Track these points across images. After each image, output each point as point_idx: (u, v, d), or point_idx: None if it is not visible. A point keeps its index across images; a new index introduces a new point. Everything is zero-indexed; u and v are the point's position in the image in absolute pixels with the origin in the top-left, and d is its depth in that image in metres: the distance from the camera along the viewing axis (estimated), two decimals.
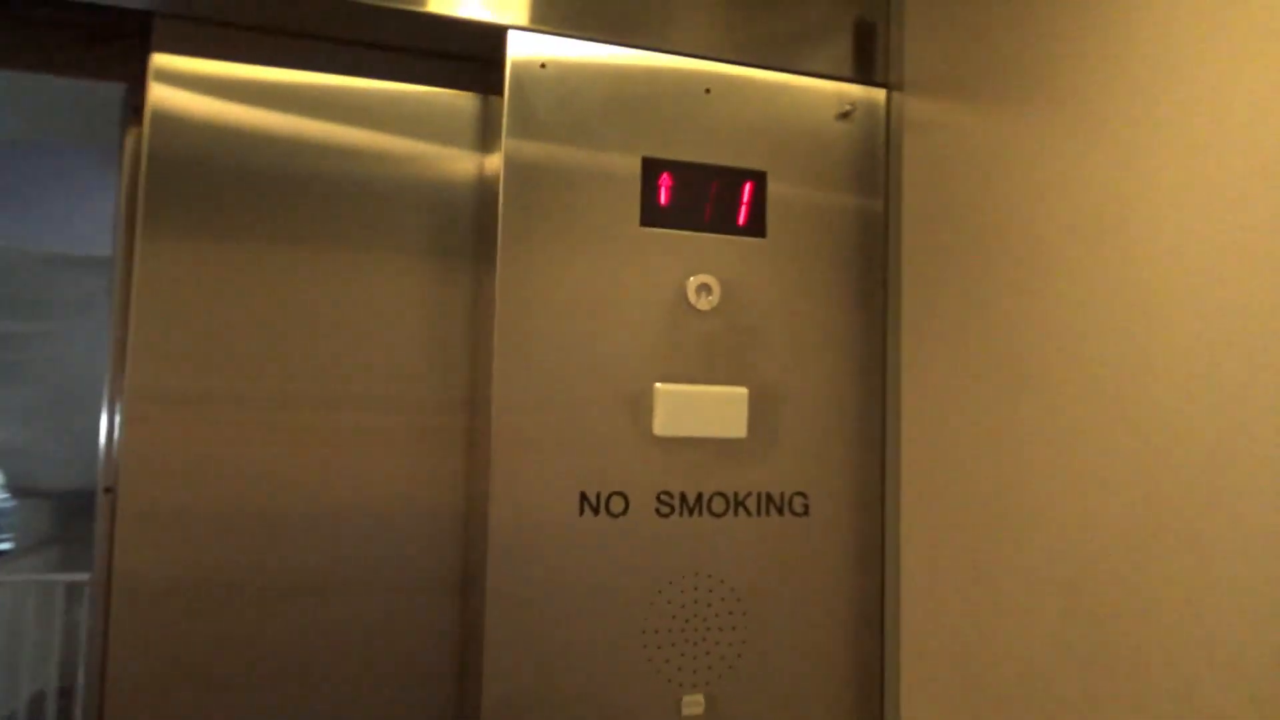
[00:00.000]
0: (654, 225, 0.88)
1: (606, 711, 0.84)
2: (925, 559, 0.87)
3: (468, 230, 0.93)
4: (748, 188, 0.91)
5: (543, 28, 0.86)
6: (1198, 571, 0.59)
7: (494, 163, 0.88)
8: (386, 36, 0.90)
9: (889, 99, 0.97)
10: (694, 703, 0.86)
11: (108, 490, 0.86)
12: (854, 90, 0.96)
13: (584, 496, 0.84)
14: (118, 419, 0.85)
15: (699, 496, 0.88)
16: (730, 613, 0.88)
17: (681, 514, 0.87)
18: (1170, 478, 0.62)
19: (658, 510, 0.86)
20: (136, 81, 0.87)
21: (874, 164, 0.96)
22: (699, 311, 0.89)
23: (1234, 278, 0.58)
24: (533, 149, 0.85)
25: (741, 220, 0.91)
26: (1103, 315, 0.68)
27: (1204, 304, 0.60)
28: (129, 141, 0.89)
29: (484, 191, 0.92)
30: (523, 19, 0.86)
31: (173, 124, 0.84)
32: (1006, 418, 0.77)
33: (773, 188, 0.92)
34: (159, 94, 0.84)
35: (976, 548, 0.80)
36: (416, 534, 0.89)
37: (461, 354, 0.91)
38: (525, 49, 0.86)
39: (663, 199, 0.89)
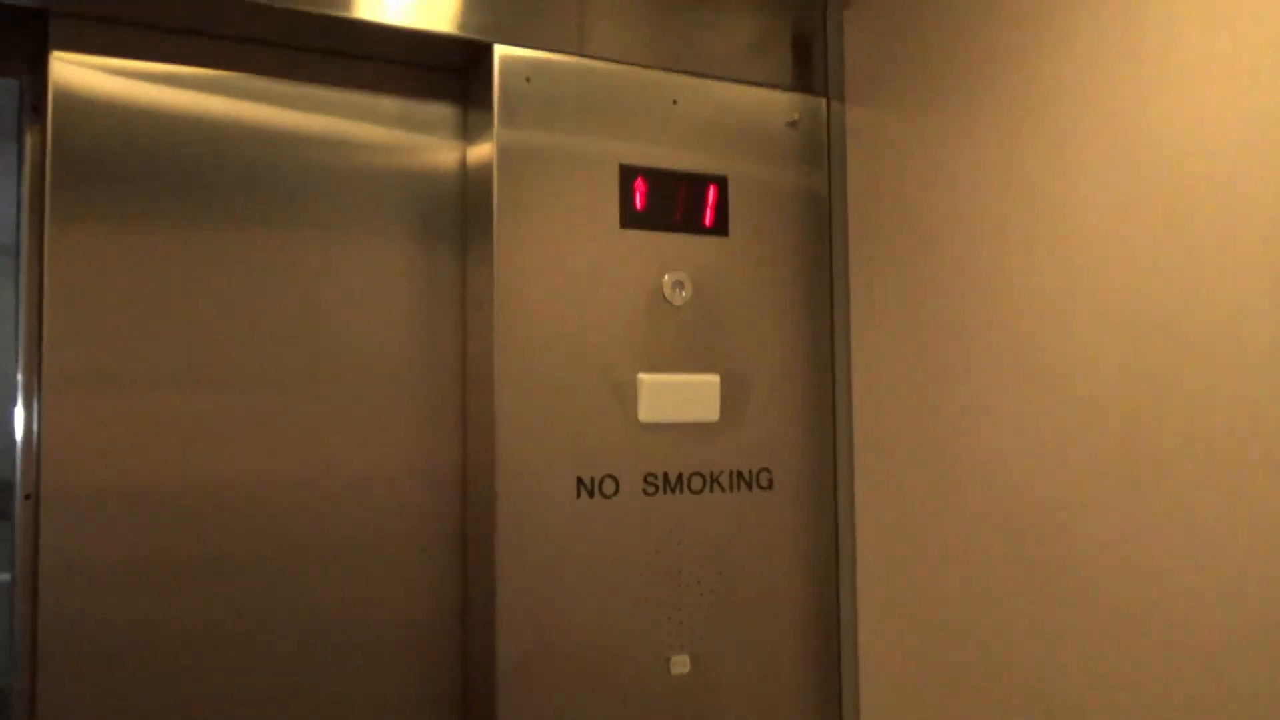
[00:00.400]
0: (632, 227, 0.95)
1: (606, 672, 0.92)
2: (879, 517, 0.99)
3: (448, 223, 0.97)
4: (712, 191, 1.00)
5: (527, 45, 0.91)
6: (1120, 511, 0.72)
7: (480, 157, 0.93)
8: (370, 49, 0.93)
9: (828, 107, 1.07)
10: (680, 662, 0.95)
11: (27, 497, 0.87)
12: (800, 100, 1.06)
13: (580, 481, 0.91)
14: (35, 411, 0.84)
15: (679, 476, 0.96)
16: (709, 579, 0.97)
17: (665, 492, 0.95)
18: (1092, 437, 0.74)
19: (644, 490, 0.94)
20: (35, 77, 0.86)
21: (818, 165, 1.06)
22: (674, 306, 0.97)
23: (1151, 268, 0.71)
24: (521, 158, 0.91)
25: (708, 221, 0.99)
26: (1033, 297, 0.80)
27: (1121, 287, 0.73)
28: (29, 137, 0.88)
29: (467, 189, 0.97)
30: (507, 36, 0.91)
31: (99, 117, 0.85)
32: (947, 388, 0.89)
33: (733, 190, 1.01)
34: (67, 83, 0.84)
35: (924, 503, 0.92)
36: (411, 505, 0.95)
37: (442, 335, 0.97)
38: (511, 64, 0.91)
39: (638, 203, 0.96)
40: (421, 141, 0.97)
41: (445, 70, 0.98)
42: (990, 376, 0.85)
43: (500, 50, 0.90)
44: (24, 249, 0.86)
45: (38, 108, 0.86)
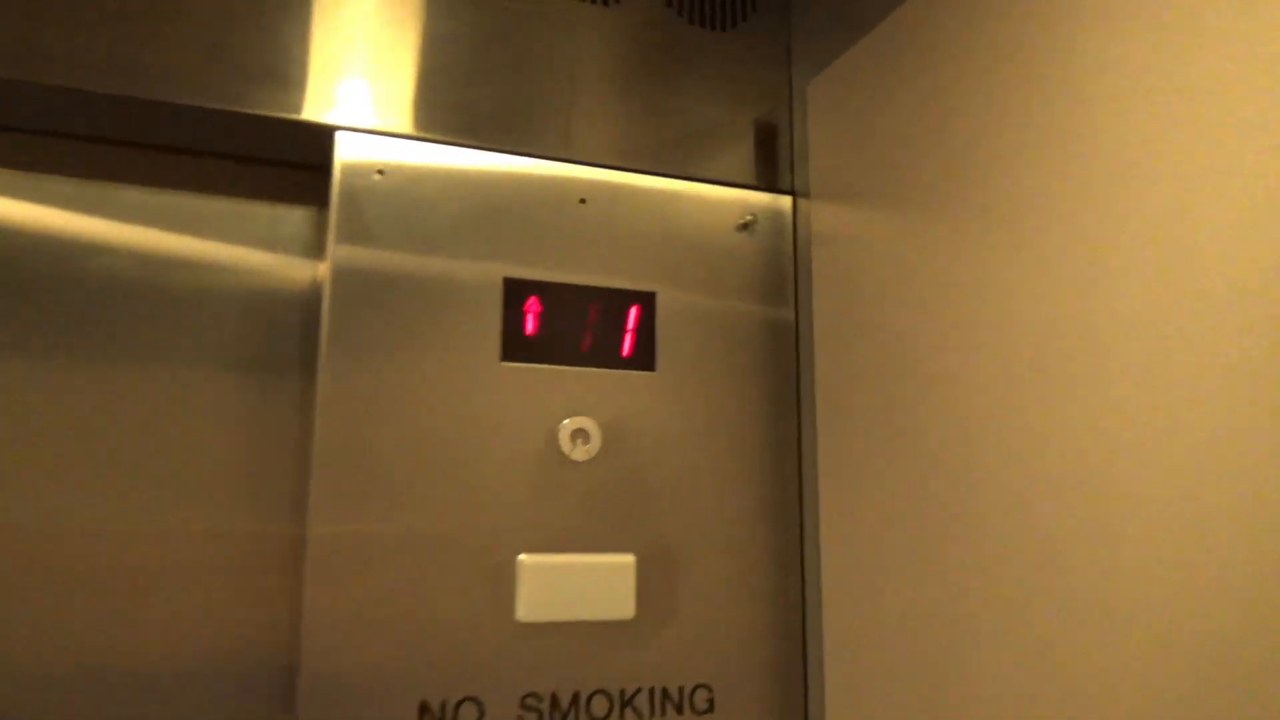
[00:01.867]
0: (518, 359, 0.73)
1: None
2: None
3: (290, 346, 0.77)
4: (634, 312, 0.77)
5: (379, 129, 0.72)
6: (1111, 684, 0.44)
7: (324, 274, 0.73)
8: (195, 141, 0.75)
9: (795, 207, 0.85)
10: None
11: None
12: (756, 198, 0.84)
13: (424, 707, 0.66)
14: None
15: (575, 697, 0.70)
16: None
17: None
18: (1077, 628, 0.47)
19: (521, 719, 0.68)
20: None
21: (780, 278, 0.83)
22: (574, 463, 0.73)
23: (1127, 378, 0.46)
24: (365, 269, 0.70)
25: (626, 350, 0.76)
26: (1024, 446, 0.54)
27: (1101, 420, 0.47)
28: None
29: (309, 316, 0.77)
30: (354, 119, 0.72)
31: None
32: (940, 578, 0.62)
33: (663, 311, 0.78)
34: None
35: None
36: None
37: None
38: (357, 153, 0.71)
39: (529, 327, 0.74)
40: (262, 258, 0.78)
41: (301, 168, 0.79)
42: (990, 551, 0.58)
43: (343, 136, 0.71)
44: None
45: None
